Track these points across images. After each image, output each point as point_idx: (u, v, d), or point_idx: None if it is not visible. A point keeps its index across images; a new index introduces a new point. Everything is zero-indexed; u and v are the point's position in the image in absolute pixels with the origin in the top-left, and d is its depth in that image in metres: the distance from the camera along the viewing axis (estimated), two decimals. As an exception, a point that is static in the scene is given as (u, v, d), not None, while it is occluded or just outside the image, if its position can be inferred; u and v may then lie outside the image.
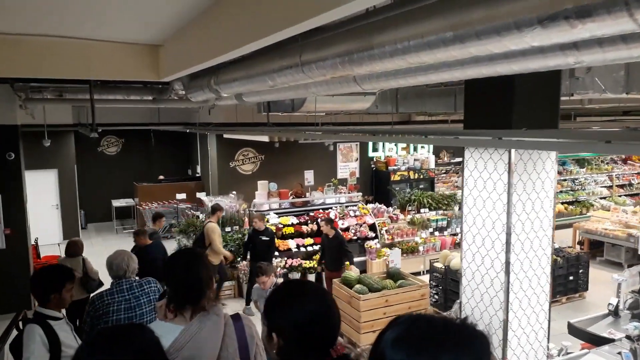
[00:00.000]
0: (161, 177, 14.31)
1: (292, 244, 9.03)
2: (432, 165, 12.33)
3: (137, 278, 3.71)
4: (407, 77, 3.54)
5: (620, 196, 15.61)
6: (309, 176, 9.87)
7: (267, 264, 5.15)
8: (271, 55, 3.69)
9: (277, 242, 8.93)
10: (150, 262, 5.57)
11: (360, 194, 10.21)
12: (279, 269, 8.54)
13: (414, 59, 2.18)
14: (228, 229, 9.39)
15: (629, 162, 16.61)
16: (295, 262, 8.83)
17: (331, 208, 9.86)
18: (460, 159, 13.70)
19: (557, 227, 13.25)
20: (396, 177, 11.72)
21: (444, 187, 12.98)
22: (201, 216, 10.18)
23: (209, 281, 2.27)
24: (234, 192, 10.38)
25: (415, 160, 12.10)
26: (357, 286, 6.75)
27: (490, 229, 3.83)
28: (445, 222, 10.54)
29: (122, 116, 12.00)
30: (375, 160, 11.90)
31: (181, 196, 11.55)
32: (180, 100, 8.19)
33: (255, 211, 9.56)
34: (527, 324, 3.94)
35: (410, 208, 10.62)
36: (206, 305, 2.19)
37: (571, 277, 8.39)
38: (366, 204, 10.37)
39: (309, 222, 9.50)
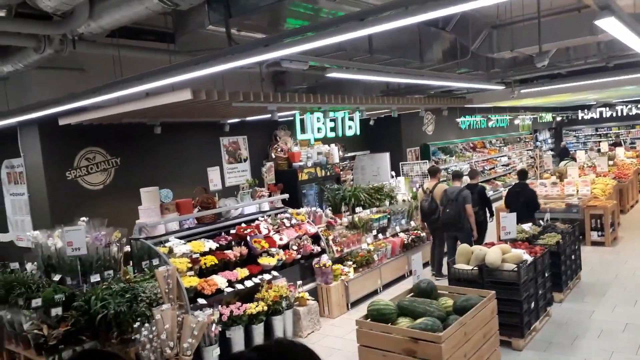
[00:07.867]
0: None
1: (220, 281, 5.56)
2: (337, 160, 10.06)
3: None
4: None
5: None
6: (214, 176, 6.47)
7: None
8: None
9: (199, 282, 5.40)
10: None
11: (286, 195, 7.23)
12: (213, 326, 5.03)
13: None
14: (94, 277, 5.43)
15: (477, 149, 17.25)
16: (236, 309, 5.40)
17: (257, 219, 6.67)
18: (354, 153, 11.76)
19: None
20: (304, 176, 9.05)
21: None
22: (30, 267, 5.83)
23: None
24: (84, 219, 6.24)
25: (318, 154, 9.64)
26: (422, 320, 3.94)
27: None
28: (386, 221, 8.34)
29: None
30: (275, 156, 9.01)
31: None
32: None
33: (146, 237, 5.78)
34: None
35: (344, 209, 8.11)
36: None
37: None
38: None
39: (233, 243, 6.13)
